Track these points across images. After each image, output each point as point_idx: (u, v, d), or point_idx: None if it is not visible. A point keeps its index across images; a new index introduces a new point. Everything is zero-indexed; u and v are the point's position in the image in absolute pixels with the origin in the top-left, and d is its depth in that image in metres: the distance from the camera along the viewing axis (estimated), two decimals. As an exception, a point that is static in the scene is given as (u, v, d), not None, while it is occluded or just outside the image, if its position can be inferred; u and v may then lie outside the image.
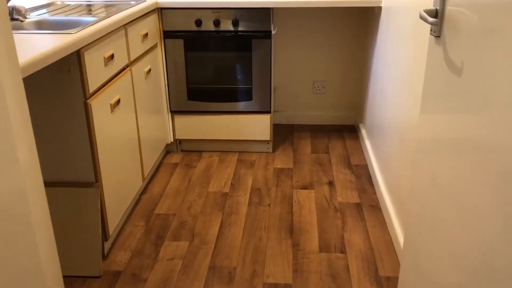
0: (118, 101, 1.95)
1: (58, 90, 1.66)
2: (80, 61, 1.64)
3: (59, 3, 2.43)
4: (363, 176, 2.55)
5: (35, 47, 1.45)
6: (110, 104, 1.88)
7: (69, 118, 1.71)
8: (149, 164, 2.43)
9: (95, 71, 1.74)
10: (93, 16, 2.05)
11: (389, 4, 2.24)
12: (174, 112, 2.75)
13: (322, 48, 3.06)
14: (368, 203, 2.30)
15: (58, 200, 1.81)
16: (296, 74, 3.13)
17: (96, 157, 1.77)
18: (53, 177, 1.80)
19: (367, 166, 2.65)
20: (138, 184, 2.27)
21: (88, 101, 1.69)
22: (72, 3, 2.43)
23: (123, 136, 2.03)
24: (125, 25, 2.07)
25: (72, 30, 1.66)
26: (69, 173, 1.79)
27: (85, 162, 1.77)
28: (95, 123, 1.73)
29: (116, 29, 1.94)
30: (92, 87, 1.72)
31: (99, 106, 1.76)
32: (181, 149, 2.89)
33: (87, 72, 1.67)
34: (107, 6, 2.32)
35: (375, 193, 2.38)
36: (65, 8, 2.31)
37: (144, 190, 2.44)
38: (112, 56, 1.90)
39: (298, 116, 3.24)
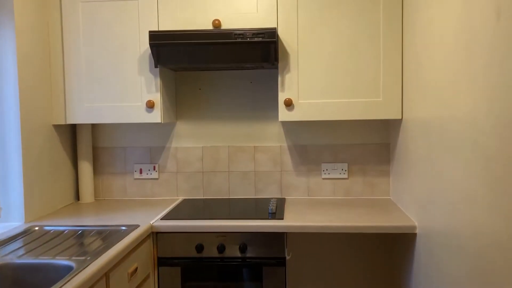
0: None
1: None
2: None
3: (37, 229, 2.08)
4: None
5: None
6: None
7: None
8: None
9: None
10: (69, 259, 1.66)
11: (428, 231, 1.86)
12: None
13: (344, 269, 2.62)
14: None
15: None
16: (314, 294, 2.65)
17: None
18: None
19: None
20: None
21: None
22: (52, 229, 2.08)
23: None
24: (107, 271, 1.67)
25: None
26: None
27: None
28: None
29: (93, 284, 1.53)
30: None
31: None
32: None
33: None
34: (90, 236, 1.95)
35: None
36: (42, 238, 1.94)
37: None
38: (83, 322, 1.45)
39: None
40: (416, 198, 2.04)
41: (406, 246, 2.23)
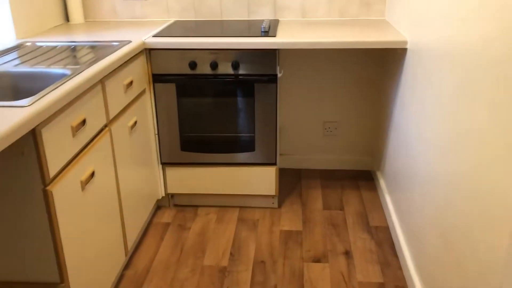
0: (92, 174, 1.60)
1: (10, 175, 1.31)
2: (36, 140, 1.28)
3: (29, 44, 2.08)
4: (385, 243, 2.18)
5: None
6: (81, 181, 1.52)
7: (26, 209, 1.35)
8: (135, 231, 2.07)
9: (59, 148, 1.39)
10: (64, 68, 1.70)
11: (418, 46, 1.88)
12: (165, 164, 2.39)
13: (333, 88, 2.70)
14: (393, 283, 1.94)
15: (14, 305, 1.45)
16: (304, 114, 2.78)
17: (61, 253, 1.41)
18: (10, 275, 1.45)
19: (388, 229, 2.29)
20: (120, 261, 1.91)
21: (48, 188, 1.34)
22: (44, 44, 2.08)
23: (99, 212, 1.67)
24: (103, 79, 1.72)
25: (25, 101, 1.30)
26: (29, 271, 1.44)
27: (48, 260, 1.41)
28: (58, 213, 1.38)
29: (90, 87, 1.59)
30: (54, 169, 1.36)
31: (64, 190, 1.41)
32: (173, 203, 2.53)
33: (46, 152, 1.32)
34: (83, 50, 1.97)
35: (400, 268, 2.02)
36: (35, 52, 1.96)
37: (128, 263, 2.08)
38: (83, 122, 1.55)
39: (307, 160, 2.88)
40: (410, 14, 2.01)
41: (396, 63, 2.27)
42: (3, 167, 1.30)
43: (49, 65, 1.75)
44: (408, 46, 2.04)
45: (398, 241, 2.08)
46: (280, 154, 2.89)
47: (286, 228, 2.31)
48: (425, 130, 1.75)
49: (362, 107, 2.74)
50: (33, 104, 1.28)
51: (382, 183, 2.54)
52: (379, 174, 2.64)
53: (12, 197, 1.34)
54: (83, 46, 2.04)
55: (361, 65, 2.65)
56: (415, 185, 1.87)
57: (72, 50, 1.98)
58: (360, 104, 2.73)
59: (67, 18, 2.63)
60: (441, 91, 1.57)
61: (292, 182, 2.74)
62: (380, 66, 2.64)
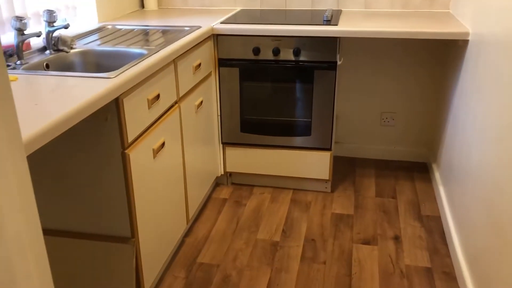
0: (163, 144, 1.77)
1: (94, 138, 1.50)
2: (118, 108, 1.46)
3: (110, 27, 2.29)
4: (435, 232, 2.21)
5: (67, 97, 1.28)
6: (153, 149, 1.69)
7: (106, 169, 1.53)
8: (196, 202, 2.23)
9: (136, 117, 1.56)
10: (141, 48, 1.88)
11: (481, 38, 1.89)
12: (225, 144, 2.54)
13: (392, 78, 2.74)
14: (440, 269, 1.97)
15: (91, 253, 1.65)
16: (362, 103, 2.83)
17: (133, 212, 1.59)
18: (88, 228, 1.64)
19: (440, 219, 2.31)
20: (182, 227, 2.08)
21: (126, 151, 1.51)
22: (123, 27, 2.28)
23: (166, 180, 1.84)
24: (175, 59, 1.88)
25: (111, 73, 1.48)
26: (104, 225, 1.63)
27: (121, 216, 1.59)
28: (133, 175, 1.55)
29: (164, 66, 1.75)
30: (131, 135, 1.54)
31: (139, 155, 1.58)
32: (231, 182, 2.68)
33: (126, 119, 1.49)
34: (158, 33, 2.15)
35: (449, 256, 2.05)
36: (115, 33, 2.16)
37: (188, 231, 2.25)
38: (157, 96, 1.71)
39: (362, 149, 2.94)
40: (475, 6, 2.01)
41: (457, 55, 2.27)
42: (89, 130, 1.49)
43: (128, 45, 1.93)
44: (470, 38, 2.05)
45: (448, 230, 2.11)
46: (336, 142, 2.96)
47: (337, 211, 2.40)
48: (483, 122, 1.77)
49: (421, 98, 2.75)
50: (118, 76, 1.46)
51: (437, 175, 2.55)
52: (434, 166, 2.65)
53: (94, 157, 1.52)
54: (157, 30, 2.22)
55: (421, 57, 2.66)
56: (469, 176, 1.90)
57: (148, 33, 2.16)
58: (419, 96, 2.75)
59: (142, 5, 2.83)
60: (504, 84, 1.60)
61: (346, 169, 2.81)
62: (440, 58, 2.64)
